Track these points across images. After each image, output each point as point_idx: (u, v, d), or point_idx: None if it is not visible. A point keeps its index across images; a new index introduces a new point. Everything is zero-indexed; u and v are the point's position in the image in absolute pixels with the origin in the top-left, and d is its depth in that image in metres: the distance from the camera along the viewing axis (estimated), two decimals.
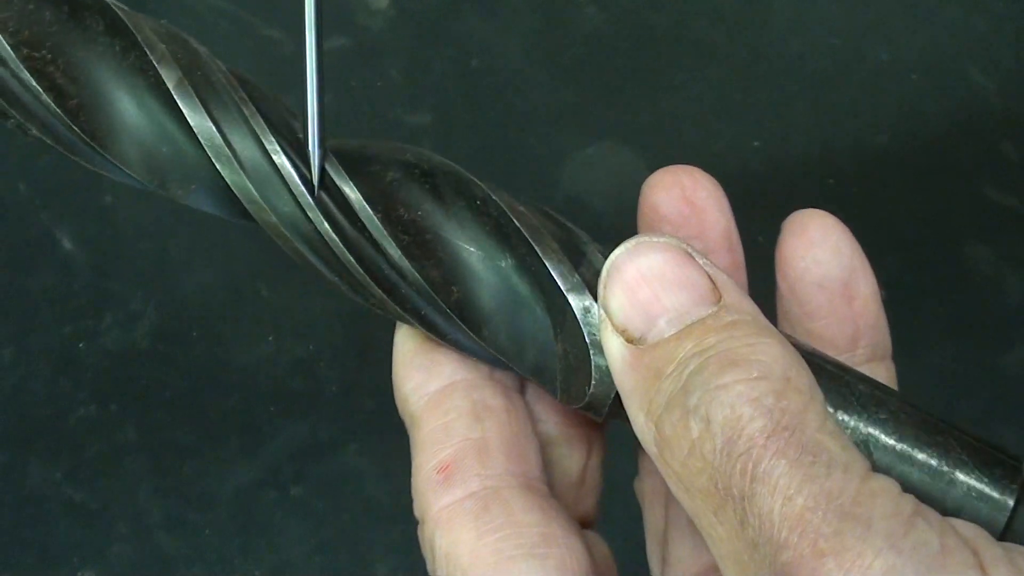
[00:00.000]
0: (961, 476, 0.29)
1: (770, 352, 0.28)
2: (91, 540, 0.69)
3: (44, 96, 0.28)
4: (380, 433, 0.73)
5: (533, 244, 0.31)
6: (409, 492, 0.71)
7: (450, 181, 0.31)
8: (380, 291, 0.30)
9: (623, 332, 0.29)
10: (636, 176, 0.86)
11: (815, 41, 0.91)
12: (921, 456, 0.29)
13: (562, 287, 0.30)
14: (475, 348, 0.31)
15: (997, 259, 0.80)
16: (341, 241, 0.29)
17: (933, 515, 0.26)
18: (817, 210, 0.35)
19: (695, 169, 0.36)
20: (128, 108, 0.29)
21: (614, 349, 0.29)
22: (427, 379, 0.33)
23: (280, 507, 0.71)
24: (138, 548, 0.69)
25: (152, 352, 0.76)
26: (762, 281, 0.85)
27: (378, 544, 0.69)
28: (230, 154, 0.29)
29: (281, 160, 0.30)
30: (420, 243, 0.30)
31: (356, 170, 0.31)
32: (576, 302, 0.30)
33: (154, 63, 0.29)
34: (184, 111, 0.29)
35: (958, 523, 0.26)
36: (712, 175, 0.91)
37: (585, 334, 0.30)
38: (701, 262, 0.30)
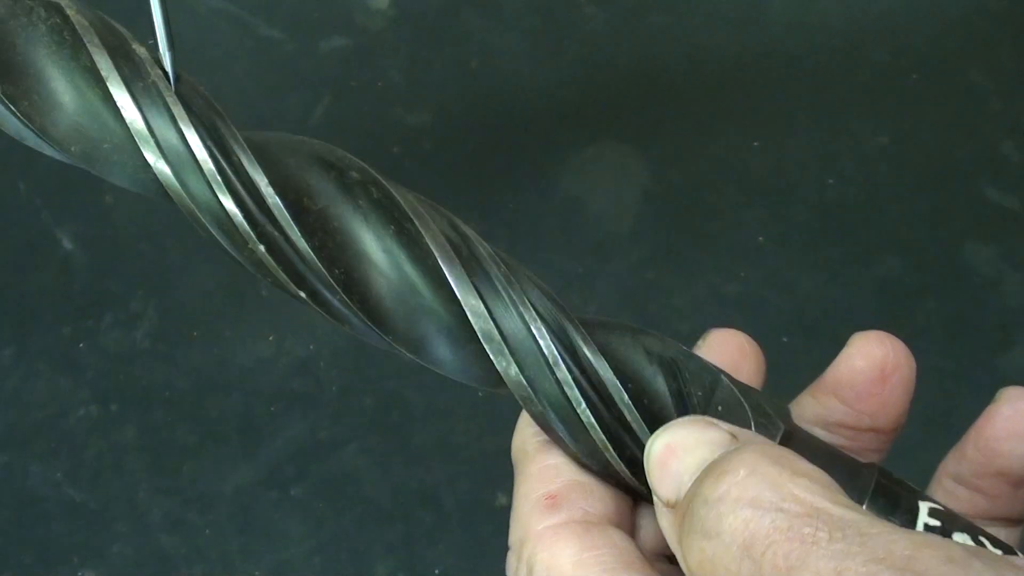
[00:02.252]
0: None
1: (756, 449, 0.28)
2: (91, 540, 0.69)
3: None
4: (380, 433, 0.73)
5: (429, 242, 0.32)
6: (408, 492, 0.71)
7: (354, 175, 0.33)
8: (284, 275, 0.32)
9: (668, 504, 0.30)
10: (636, 176, 0.87)
11: (815, 41, 0.91)
12: None
13: (456, 292, 0.32)
14: (378, 340, 0.33)
15: (997, 259, 0.80)
16: (249, 225, 0.31)
17: (987, 554, 0.25)
18: None
19: (902, 347, 0.36)
20: (60, 87, 0.31)
21: (665, 523, 0.30)
22: None
23: (280, 507, 0.71)
24: (138, 548, 0.69)
25: (152, 352, 0.76)
26: (763, 282, 0.86)
27: (378, 544, 0.69)
28: (151, 137, 0.31)
29: (197, 145, 0.31)
30: (323, 231, 0.32)
31: (265, 159, 0.32)
32: (467, 307, 0.32)
33: (86, 45, 0.31)
34: (112, 93, 0.31)
35: (1016, 559, 0.26)
36: (712, 175, 0.92)
37: (482, 342, 0.32)
38: (725, 426, 0.31)
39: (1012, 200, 0.83)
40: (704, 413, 0.33)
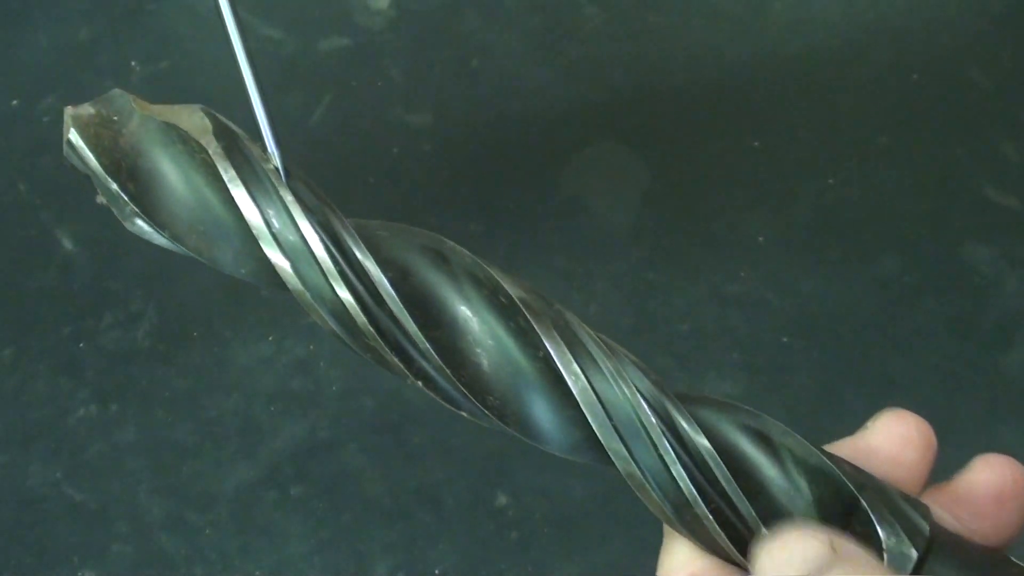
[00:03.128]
0: None
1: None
2: (91, 540, 0.69)
3: (103, 174, 0.33)
4: (380, 433, 0.73)
5: (536, 327, 0.34)
6: (408, 491, 0.71)
7: (465, 267, 0.35)
8: (397, 361, 0.33)
9: None
10: (636, 176, 0.87)
11: (815, 41, 0.92)
12: None
13: (564, 374, 0.34)
14: (487, 421, 0.35)
15: (997, 259, 0.80)
16: (364, 313, 0.33)
17: None
18: None
19: (1022, 471, 0.37)
20: (178, 185, 0.34)
21: None
22: None
23: (280, 507, 0.71)
24: (138, 548, 0.69)
25: (152, 352, 0.76)
26: (763, 282, 0.86)
27: (378, 543, 0.70)
28: (268, 231, 0.33)
29: (312, 237, 0.33)
30: (434, 319, 0.34)
31: (376, 248, 0.34)
32: (575, 387, 0.34)
33: (203, 145, 0.33)
34: (231, 192, 0.33)
35: None
36: (712, 175, 0.92)
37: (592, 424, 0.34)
38: (823, 537, 0.32)
39: (1012, 200, 0.83)
40: (833, 524, 0.34)
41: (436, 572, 0.69)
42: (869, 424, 0.37)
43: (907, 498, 0.35)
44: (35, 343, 0.76)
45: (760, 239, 0.81)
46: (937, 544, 0.33)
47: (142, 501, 0.71)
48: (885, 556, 0.33)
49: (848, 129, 0.87)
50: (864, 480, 0.34)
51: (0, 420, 0.74)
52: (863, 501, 0.34)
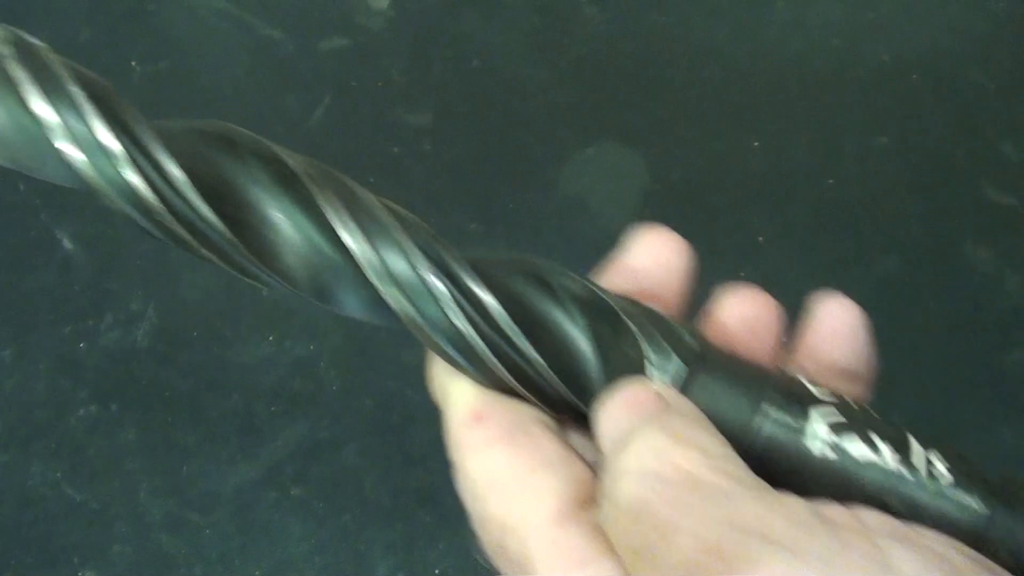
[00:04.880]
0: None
1: (653, 422, 0.31)
2: (91, 540, 0.69)
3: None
4: (380, 433, 0.73)
5: (317, 196, 0.35)
6: (408, 491, 0.71)
7: (251, 147, 0.36)
8: (192, 239, 0.34)
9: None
10: (636, 176, 0.87)
11: (815, 41, 0.92)
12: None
13: (345, 238, 0.35)
14: (291, 292, 0.36)
15: (997, 259, 0.80)
16: (156, 197, 0.34)
17: (836, 511, 0.28)
18: None
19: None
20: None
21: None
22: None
23: (280, 507, 0.71)
24: (138, 548, 0.69)
25: (152, 352, 0.76)
26: (763, 282, 0.85)
27: (378, 544, 0.70)
28: (63, 127, 0.33)
29: (103, 133, 0.33)
30: (224, 198, 0.35)
31: (166, 138, 0.35)
32: (357, 250, 0.35)
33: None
34: (25, 96, 0.34)
35: (864, 514, 0.29)
36: (712, 175, 0.92)
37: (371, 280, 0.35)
38: (655, 388, 0.34)
39: (1012, 200, 0.83)
40: (610, 351, 0.35)
41: (436, 572, 0.69)
42: (631, 245, 0.39)
43: (676, 320, 0.36)
44: (35, 343, 0.76)
45: (760, 239, 0.81)
46: (707, 358, 0.35)
47: (142, 501, 0.71)
48: (653, 372, 0.34)
49: (848, 129, 0.87)
50: (632, 307, 0.36)
51: (0, 420, 0.74)
52: (631, 324, 0.35)
